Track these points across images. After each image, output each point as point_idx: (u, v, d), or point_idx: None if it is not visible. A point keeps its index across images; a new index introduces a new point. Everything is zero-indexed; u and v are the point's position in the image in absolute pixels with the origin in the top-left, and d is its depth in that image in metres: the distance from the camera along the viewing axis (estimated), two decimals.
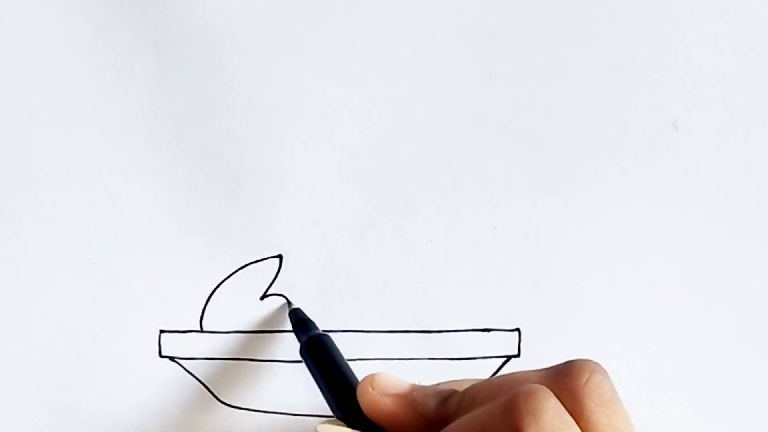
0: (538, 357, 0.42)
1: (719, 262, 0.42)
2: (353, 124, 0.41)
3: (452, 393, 0.34)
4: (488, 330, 0.42)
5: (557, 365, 0.31)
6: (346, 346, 0.41)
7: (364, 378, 0.35)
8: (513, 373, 0.33)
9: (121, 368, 0.41)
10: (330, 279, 0.42)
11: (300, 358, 0.39)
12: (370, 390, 0.34)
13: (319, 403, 0.40)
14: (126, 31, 0.40)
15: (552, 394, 0.29)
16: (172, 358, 0.41)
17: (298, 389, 0.41)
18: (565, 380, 0.30)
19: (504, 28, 0.41)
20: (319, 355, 0.38)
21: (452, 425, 0.31)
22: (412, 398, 0.34)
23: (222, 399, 0.41)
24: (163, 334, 0.41)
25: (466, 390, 0.33)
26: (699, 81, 0.42)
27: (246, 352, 0.41)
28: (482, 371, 0.42)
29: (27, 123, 0.40)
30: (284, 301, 0.41)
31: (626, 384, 0.42)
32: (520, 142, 0.42)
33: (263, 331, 0.41)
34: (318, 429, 0.34)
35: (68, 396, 0.41)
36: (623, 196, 0.42)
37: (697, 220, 0.42)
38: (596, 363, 0.31)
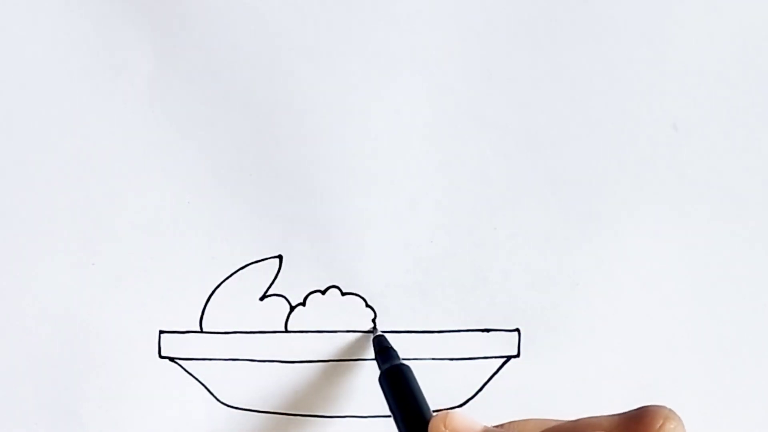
0: (538, 357, 0.42)
1: (719, 262, 0.42)
2: (353, 124, 0.41)
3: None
4: (488, 330, 0.42)
5: (630, 411, 0.31)
6: (345, 347, 0.41)
7: (438, 415, 0.34)
8: (585, 419, 0.32)
9: (121, 368, 0.41)
10: (330, 279, 0.42)
11: (302, 359, 0.39)
12: (443, 429, 0.34)
13: (318, 404, 0.41)
14: (126, 31, 0.40)
15: None
16: (171, 359, 0.41)
17: (298, 389, 0.41)
18: (637, 427, 0.30)
19: (504, 28, 0.41)
20: (398, 385, 0.38)
21: None
22: None
23: (222, 399, 0.41)
24: (163, 335, 0.41)
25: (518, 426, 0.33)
26: (699, 81, 0.42)
27: (246, 352, 0.41)
28: (482, 371, 0.42)
29: (27, 123, 0.40)
30: (371, 324, 0.41)
31: (626, 384, 0.43)
32: (520, 142, 0.42)
33: (263, 331, 0.41)
34: None
35: (68, 396, 0.41)
36: (623, 196, 0.42)
37: (697, 220, 0.42)
38: (670, 409, 0.31)
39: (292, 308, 0.41)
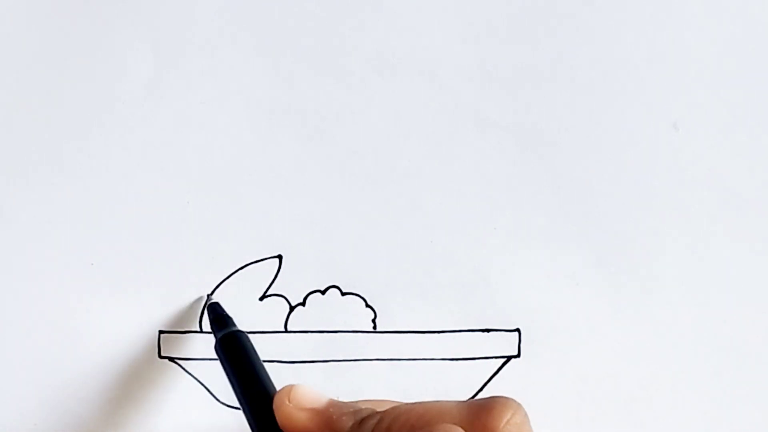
0: (538, 357, 0.42)
1: (719, 262, 0.42)
2: (353, 124, 0.41)
3: (370, 414, 0.32)
4: (488, 330, 0.42)
5: (479, 400, 0.31)
6: (345, 347, 0.41)
7: (282, 389, 0.34)
8: (434, 403, 0.32)
9: (121, 368, 0.41)
10: (330, 279, 0.41)
11: (302, 359, 0.39)
12: (287, 402, 0.33)
13: None
14: (126, 31, 0.40)
15: None
16: (171, 359, 0.41)
17: None
18: (486, 419, 0.30)
19: (504, 28, 0.41)
20: (236, 355, 0.37)
21: None
22: (328, 415, 0.33)
23: (222, 399, 0.41)
24: (162, 335, 0.41)
25: (385, 413, 0.32)
26: (699, 81, 0.42)
27: None
28: (482, 371, 0.42)
29: (27, 123, 0.40)
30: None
31: (626, 384, 0.43)
32: (520, 142, 0.42)
33: (263, 331, 0.41)
34: None
35: (68, 396, 0.41)
36: (623, 195, 0.42)
37: (697, 219, 0.42)
38: (518, 403, 0.30)
39: (291, 308, 0.41)
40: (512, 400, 0.30)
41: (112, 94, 0.41)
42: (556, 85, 0.41)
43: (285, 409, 0.33)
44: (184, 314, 0.41)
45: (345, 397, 0.39)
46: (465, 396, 0.42)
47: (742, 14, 0.41)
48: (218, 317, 0.39)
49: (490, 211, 0.42)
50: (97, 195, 0.41)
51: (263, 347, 0.41)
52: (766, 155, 0.42)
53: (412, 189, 0.42)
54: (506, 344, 0.42)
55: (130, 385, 0.41)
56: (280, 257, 0.41)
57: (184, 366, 0.41)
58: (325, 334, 0.41)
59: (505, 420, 0.30)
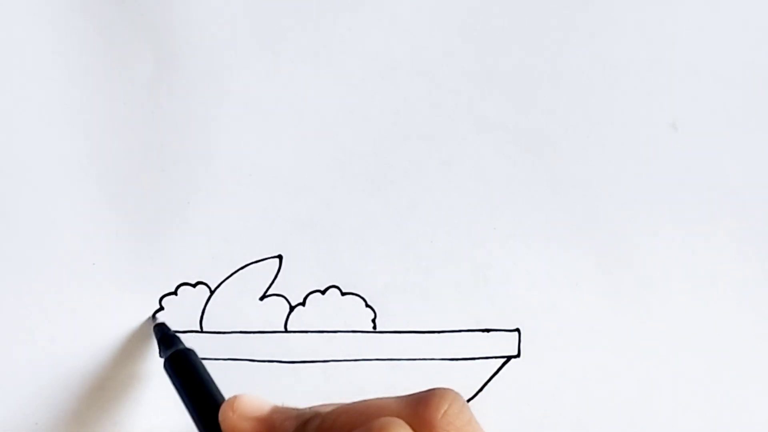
0: (538, 357, 0.42)
1: (719, 262, 0.42)
2: (353, 124, 0.41)
3: (312, 416, 0.33)
4: (488, 330, 0.42)
5: (417, 393, 0.31)
6: (345, 347, 0.41)
7: (227, 401, 0.34)
8: (374, 400, 0.32)
9: (121, 368, 0.41)
10: (330, 279, 0.42)
11: (302, 359, 0.39)
12: (230, 414, 0.34)
13: (318, 404, 0.40)
14: (126, 31, 0.40)
15: (407, 428, 0.29)
16: None
17: (298, 390, 0.41)
18: (424, 411, 0.30)
19: (504, 27, 0.41)
20: (185, 371, 0.38)
21: None
22: (271, 421, 0.33)
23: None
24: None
25: (327, 414, 0.32)
26: (699, 81, 0.42)
27: (246, 352, 0.41)
28: (482, 371, 0.42)
29: (27, 123, 0.40)
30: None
31: (626, 384, 0.43)
32: (520, 142, 0.42)
33: (263, 331, 0.41)
34: None
35: (68, 396, 0.41)
36: (623, 196, 0.42)
37: (697, 219, 0.42)
38: (456, 393, 0.31)
39: (291, 308, 0.41)
40: (450, 390, 0.31)
41: (111, 93, 0.41)
42: (555, 85, 0.41)
43: (229, 421, 0.34)
44: (185, 314, 0.41)
45: (346, 395, 0.39)
46: (465, 396, 0.42)
47: (742, 14, 0.42)
48: (165, 337, 0.40)
49: (490, 211, 0.42)
50: (97, 195, 0.41)
51: (263, 347, 0.41)
52: (766, 155, 0.42)
53: (412, 189, 0.42)
54: (506, 344, 0.42)
55: (130, 385, 0.41)
56: (280, 257, 0.41)
57: None
58: (325, 334, 0.41)
59: (442, 411, 0.30)
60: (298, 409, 0.34)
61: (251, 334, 0.41)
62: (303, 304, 0.41)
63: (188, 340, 0.41)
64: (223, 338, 0.41)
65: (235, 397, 0.34)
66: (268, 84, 0.41)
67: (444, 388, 0.31)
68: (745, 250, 0.42)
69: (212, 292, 0.41)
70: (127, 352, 0.41)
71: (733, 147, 0.42)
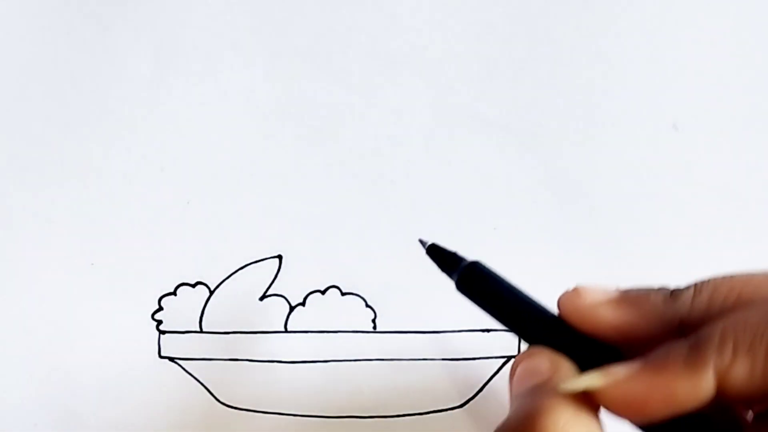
0: None
1: (719, 262, 0.42)
2: (353, 124, 0.41)
3: (679, 288, 0.30)
4: (488, 330, 0.42)
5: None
6: (345, 347, 0.41)
7: (564, 295, 0.31)
8: (754, 272, 0.29)
9: (121, 368, 0.41)
10: (330, 279, 0.41)
11: (302, 359, 0.39)
12: (580, 302, 0.30)
13: (318, 404, 0.40)
14: (126, 31, 0.40)
15: None
16: (171, 359, 0.41)
17: (298, 390, 0.41)
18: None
19: (504, 28, 0.41)
20: (484, 283, 0.34)
21: (735, 318, 0.27)
22: (634, 298, 0.30)
23: (221, 399, 0.41)
24: (163, 335, 0.41)
25: (700, 284, 0.29)
26: (699, 82, 0.42)
27: (246, 353, 0.41)
28: (482, 371, 0.42)
29: (27, 123, 0.40)
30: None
31: None
32: (520, 142, 0.42)
33: (263, 331, 0.41)
34: (565, 387, 0.28)
35: (68, 396, 0.41)
36: (623, 195, 0.42)
37: (697, 219, 0.42)
38: None
39: (291, 308, 0.41)
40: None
41: (112, 94, 0.41)
42: (556, 85, 0.41)
43: (583, 310, 0.30)
44: (184, 314, 0.41)
45: (346, 395, 0.39)
46: (465, 396, 0.42)
47: (741, 14, 0.42)
48: (447, 257, 0.35)
49: (490, 211, 0.42)
50: (97, 195, 0.41)
51: (263, 347, 0.41)
52: (766, 155, 0.42)
53: (412, 189, 0.42)
54: (506, 344, 0.42)
55: (130, 385, 0.41)
56: (280, 257, 0.41)
57: (184, 366, 0.41)
58: (325, 334, 0.41)
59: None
60: (647, 287, 0.31)
61: (251, 334, 0.41)
62: (303, 304, 0.41)
63: (188, 341, 0.41)
64: (222, 338, 0.41)
65: (573, 289, 0.31)
66: (268, 84, 0.41)
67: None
68: (745, 250, 0.42)
69: (212, 293, 0.41)
70: (127, 352, 0.41)
71: (733, 147, 0.42)
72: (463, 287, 0.34)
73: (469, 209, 0.42)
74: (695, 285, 0.30)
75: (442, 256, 0.35)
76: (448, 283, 0.42)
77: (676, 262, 0.42)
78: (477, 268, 0.34)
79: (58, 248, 0.41)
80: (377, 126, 0.41)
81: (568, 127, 0.42)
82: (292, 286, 0.41)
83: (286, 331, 0.41)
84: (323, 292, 0.41)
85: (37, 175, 0.41)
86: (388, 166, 0.42)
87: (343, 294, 0.41)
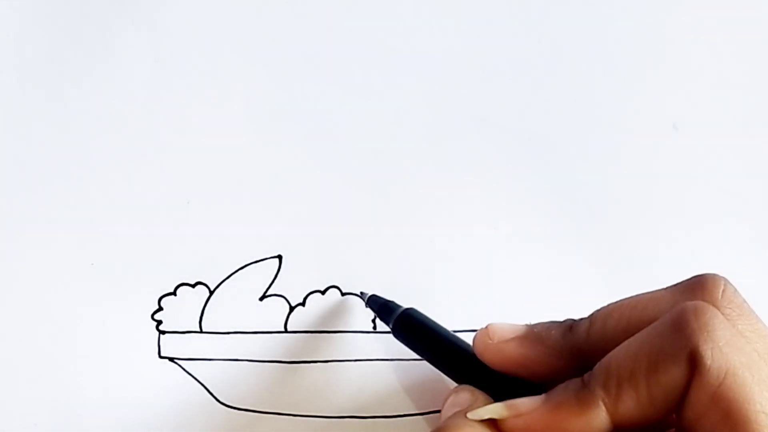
0: None
1: (719, 262, 0.42)
2: (353, 124, 0.41)
3: (573, 321, 0.33)
4: None
5: (685, 281, 0.31)
6: (345, 347, 0.41)
7: (479, 331, 0.34)
8: (641, 295, 0.32)
9: (120, 368, 0.41)
10: (330, 279, 0.41)
11: (302, 359, 0.39)
12: (488, 341, 0.33)
13: (318, 404, 0.40)
14: (126, 31, 0.40)
15: (715, 310, 0.29)
16: (171, 359, 0.41)
17: (298, 390, 0.41)
18: (703, 294, 0.30)
19: (504, 27, 0.41)
20: (415, 329, 0.38)
21: (616, 352, 0.30)
22: (536, 335, 0.33)
23: (221, 400, 0.41)
24: (162, 335, 0.41)
25: (594, 316, 0.32)
26: (699, 82, 0.42)
27: (246, 353, 0.41)
28: None
29: (27, 123, 0.40)
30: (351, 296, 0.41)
31: None
32: (520, 142, 0.42)
33: (263, 331, 0.41)
34: (470, 416, 0.32)
35: (68, 396, 0.41)
36: (623, 196, 0.42)
37: (697, 220, 0.42)
38: (724, 276, 0.31)
39: (291, 308, 0.41)
40: (718, 274, 0.31)
41: (112, 94, 0.41)
42: (556, 85, 0.41)
43: (492, 347, 0.33)
44: (184, 314, 0.41)
45: (347, 396, 0.39)
46: None
47: (741, 14, 0.42)
48: (383, 307, 0.39)
49: (490, 211, 0.42)
50: (97, 195, 0.41)
51: (263, 347, 0.41)
52: (766, 155, 0.42)
53: (412, 189, 0.42)
54: None
55: (130, 385, 0.41)
56: (280, 257, 0.41)
57: (184, 366, 0.41)
58: (325, 334, 0.41)
59: (720, 291, 0.30)
60: (554, 321, 0.33)
61: (251, 335, 0.41)
62: (303, 304, 0.41)
63: (188, 341, 0.41)
64: (222, 338, 0.41)
65: (484, 327, 0.34)
66: (269, 84, 0.41)
67: (712, 273, 0.31)
68: (745, 250, 0.42)
69: (212, 293, 0.41)
70: (127, 352, 0.41)
71: (733, 147, 0.42)
72: (396, 333, 0.38)
73: (469, 209, 0.42)
74: (591, 315, 0.32)
75: (379, 306, 0.39)
76: (448, 283, 0.42)
77: (676, 262, 0.42)
78: (409, 315, 0.38)
79: (58, 248, 0.41)
80: (377, 126, 0.41)
81: (569, 126, 0.42)
82: (292, 286, 0.41)
83: (286, 331, 0.41)
84: (323, 292, 0.41)
85: (37, 175, 0.41)
86: (388, 166, 0.42)
87: (343, 294, 0.41)
